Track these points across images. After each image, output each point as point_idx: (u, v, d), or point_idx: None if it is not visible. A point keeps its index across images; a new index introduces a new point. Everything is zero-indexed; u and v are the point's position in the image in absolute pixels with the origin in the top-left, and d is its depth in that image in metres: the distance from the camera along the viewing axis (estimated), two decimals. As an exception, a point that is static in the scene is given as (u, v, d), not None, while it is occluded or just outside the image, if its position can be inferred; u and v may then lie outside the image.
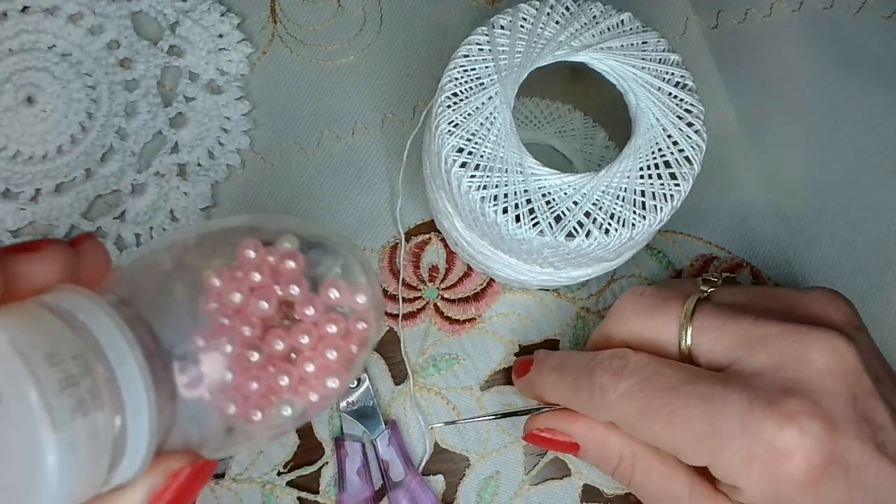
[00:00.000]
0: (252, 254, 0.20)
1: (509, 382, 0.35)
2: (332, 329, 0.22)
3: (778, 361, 0.25)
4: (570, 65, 0.30)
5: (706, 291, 0.29)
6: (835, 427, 0.24)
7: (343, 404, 0.34)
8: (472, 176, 0.28)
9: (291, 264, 0.21)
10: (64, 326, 0.17)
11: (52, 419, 0.16)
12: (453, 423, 0.34)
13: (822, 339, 0.25)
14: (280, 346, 0.21)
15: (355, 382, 0.34)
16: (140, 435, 0.18)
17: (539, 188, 0.28)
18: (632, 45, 0.30)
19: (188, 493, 0.20)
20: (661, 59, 0.30)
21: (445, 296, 0.36)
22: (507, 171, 0.28)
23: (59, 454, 0.16)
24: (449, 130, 0.28)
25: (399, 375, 0.35)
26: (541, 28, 0.30)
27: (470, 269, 0.36)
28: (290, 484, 0.33)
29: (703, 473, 0.27)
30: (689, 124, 0.29)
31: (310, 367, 0.21)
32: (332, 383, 0.22)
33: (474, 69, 0.29)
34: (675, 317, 0.28)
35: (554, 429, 0.30)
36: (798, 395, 0.24)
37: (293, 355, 0.21)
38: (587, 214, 0.28)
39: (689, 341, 0.27)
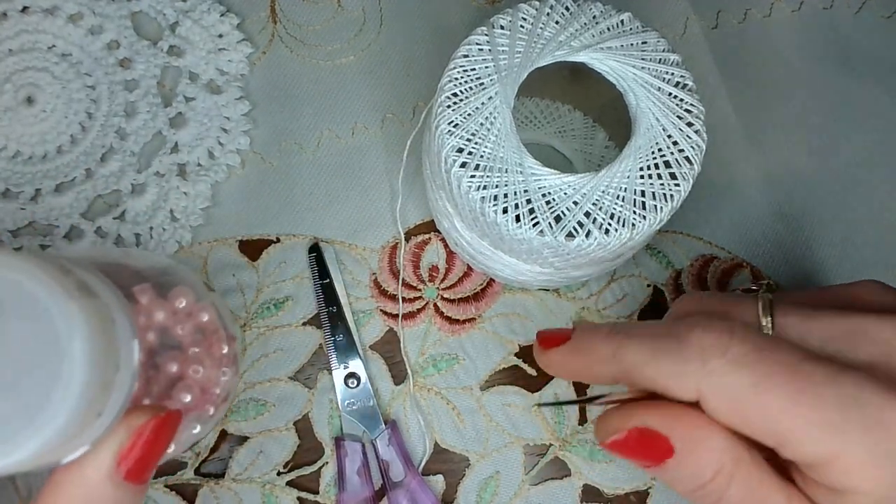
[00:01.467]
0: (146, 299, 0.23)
1: (509, 382, 0.35)
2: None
3: (888, 351, 0.23)
4: (570, 65, 0.30)
5: (769, 294, 0.26)
6: None
7: (343, 404, 0.34)
8: (472, 176, 0.28)
9: (205, 317, 0.24)
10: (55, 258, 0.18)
11: (67, 291, 0.17)
12: (555, 404, 0.29)
13: None
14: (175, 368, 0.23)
15: (355, 382, 0.34)
16: (127, 371, 0.18)
17: (539, 188, 0.28)
18: (632, 45, 0.30)
19: (156, 449, 0.20)
20: (660, 60, 0.30)
21: (445, 296, 0.36)
22: (507, 171, 0.28)
23: (80, 322, 0.17)
24: (449, 130, 0.28)
25: (399, 375, 0.35)
26: (540, 28, 0.30)
27: (470, 269, 0.36)
28: (289, 484, 0.33)
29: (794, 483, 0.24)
30: (689, 124, 0.29)
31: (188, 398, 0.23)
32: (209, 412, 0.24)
33: (474, 69, 0.29)
34: (752, 314, 0.25)
35: (649, 429, 0.23)
36: None
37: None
38: (587, 214, 0.28)
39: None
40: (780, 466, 0.24)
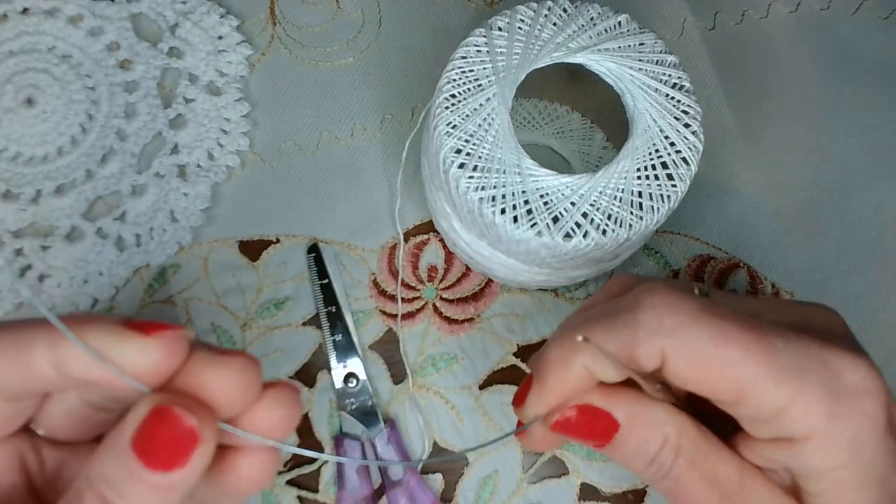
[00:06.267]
0: None
1: (507, 382, 0.35)
2: None
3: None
4: (568, 66, 0.30)
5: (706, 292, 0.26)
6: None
7: (342, 403, 0.34)
8: (471, 177, 0.28)
9: None
10: None
11: None
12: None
13: (858, 359, 0.23)
14: None
15: (354, 382, 0.34)
16: None
17: (537, 189, 0.28)
18: (629, 46, 0.30)
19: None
20: (658, 61, 0.30)
21: (444, 296, 0.36)
22: (505, 172, 0.28)
23: None
24: (447, 131, 0.28)
25: (398, 375, 0.35)
26: (538, 29, 0.30)
27: (468, 269, 0.36)
28: (289, 483, 0.34)
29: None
30: (687, 125, 0.29)
31: None
32: None
33: (472, 70, 0.29)
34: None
35: (592, 405, 0.24)
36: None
37: None
38: (584, 215, 0.28)
39: None
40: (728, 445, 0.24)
